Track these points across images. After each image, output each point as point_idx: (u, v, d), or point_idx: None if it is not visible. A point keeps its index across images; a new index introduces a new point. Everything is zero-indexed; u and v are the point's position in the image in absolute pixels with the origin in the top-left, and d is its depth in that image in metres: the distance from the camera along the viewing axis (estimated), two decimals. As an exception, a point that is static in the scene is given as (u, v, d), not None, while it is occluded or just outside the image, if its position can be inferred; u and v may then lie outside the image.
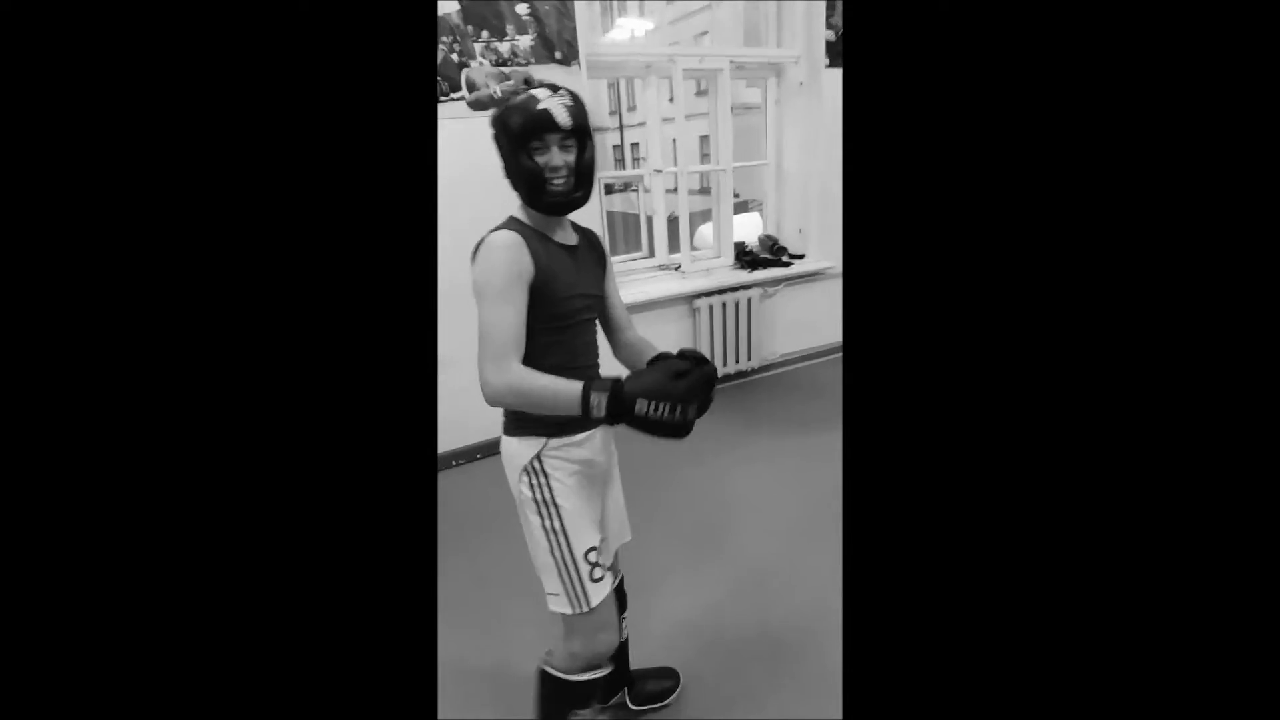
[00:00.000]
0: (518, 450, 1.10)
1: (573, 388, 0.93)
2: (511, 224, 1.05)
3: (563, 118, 0.99)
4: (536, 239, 1.04)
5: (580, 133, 1.03)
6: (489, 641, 1.73)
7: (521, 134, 0.99)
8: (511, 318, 0.98)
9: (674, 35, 13.78)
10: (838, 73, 3.19)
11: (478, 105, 2.44)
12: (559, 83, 1.05)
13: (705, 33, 12.07)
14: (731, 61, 3.19)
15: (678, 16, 14.28)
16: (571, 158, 1.02)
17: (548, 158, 1.00)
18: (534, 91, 1.01)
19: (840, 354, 3.52)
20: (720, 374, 3.30)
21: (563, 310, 1.06)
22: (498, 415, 1.11)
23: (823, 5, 3.16)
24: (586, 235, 1.19)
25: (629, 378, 0.94)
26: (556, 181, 1.01)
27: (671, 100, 3.07)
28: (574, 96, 1.02)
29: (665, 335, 3.20)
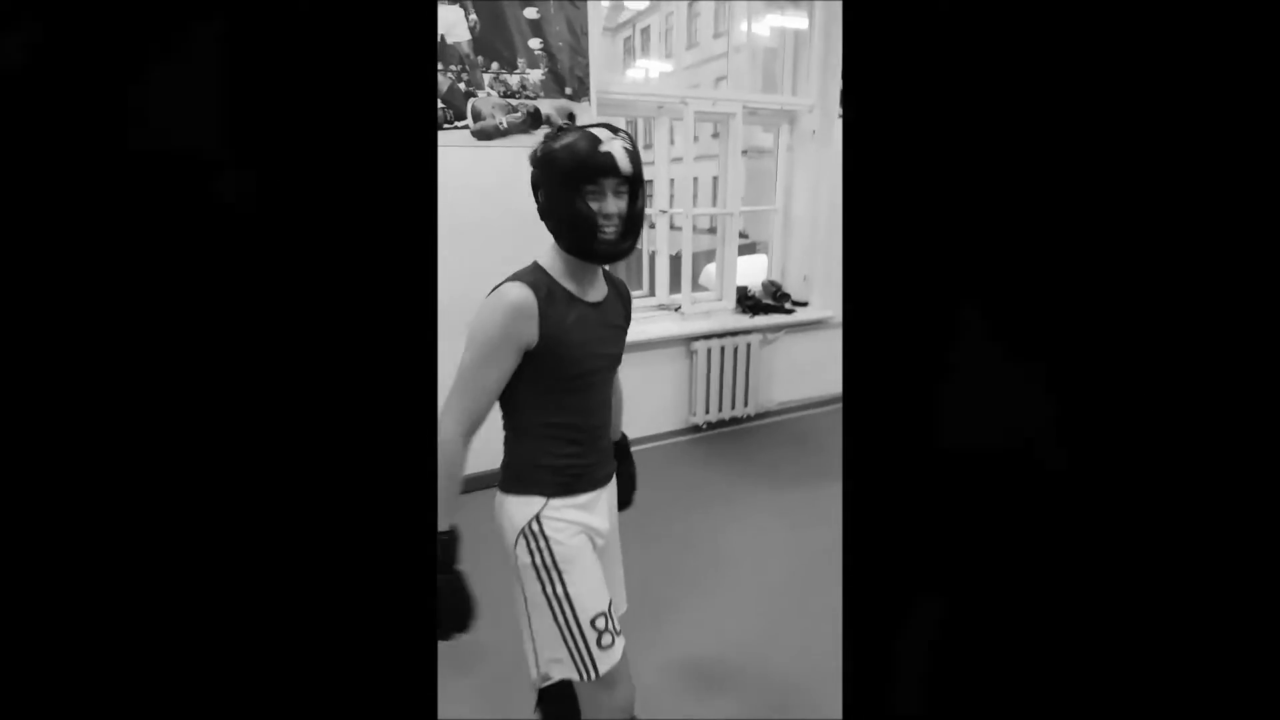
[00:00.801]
0: (515, 510, 1.02)
1: (446, 516, 0.94)
2: (534, 274, 0.97)
3: (624, 163, 0.92)
4: (559, 297, 0.97)
5: (637, 180, 0.95)
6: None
7: (577, 175, 0.92)
8: (486, 383, 0.95)
9: (693, 79, 14.09)
10: (850, 123, 3.18)
11: (482, 135, 2.42)
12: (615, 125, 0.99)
13: (723, 78, 12.36)
14: (745, 106, 3.19)
15: (697, 61, 14.61)
16: (624, 205, 0.95)
17: (602, 204, 0.93)
18: (594, 131, 0.93)
19: (839, 405, 3.44)
20: (715, 420, 3.25)
21: (577, 371, 0.99)
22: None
23: (839, 55, 3.16)
24: (616, 287, 1.10)
25: (456, 580, 0.95)
26: (608, 229, 0.94)
27: (688, 140, 3.06)
28: (632, 140, 0.95)
29: (661, 377, 3.13)
